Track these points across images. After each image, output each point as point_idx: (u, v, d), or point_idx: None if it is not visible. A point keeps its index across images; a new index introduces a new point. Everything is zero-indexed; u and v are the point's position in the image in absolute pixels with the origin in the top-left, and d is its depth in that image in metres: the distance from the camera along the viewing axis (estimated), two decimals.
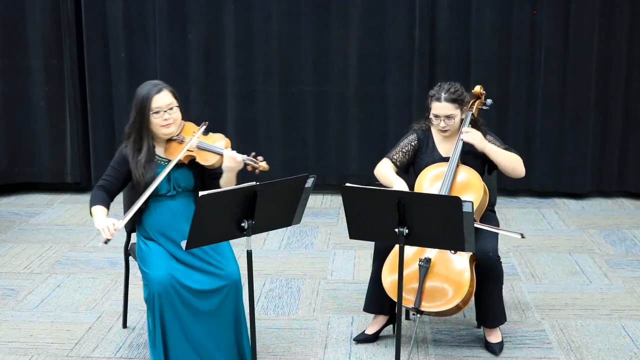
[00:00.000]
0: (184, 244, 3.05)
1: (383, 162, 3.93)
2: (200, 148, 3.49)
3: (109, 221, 3.33)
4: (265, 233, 5.40)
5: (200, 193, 2.96)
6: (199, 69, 6.40)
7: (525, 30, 6.26)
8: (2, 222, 5.88)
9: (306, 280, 4.72)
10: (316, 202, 6.40)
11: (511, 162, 3.78)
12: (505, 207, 6.16)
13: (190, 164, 3.52)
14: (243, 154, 3.45)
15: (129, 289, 4.02)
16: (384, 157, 3.95)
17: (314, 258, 5.12)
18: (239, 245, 3.59)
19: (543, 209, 6.20)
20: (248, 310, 3.31)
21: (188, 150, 3.47)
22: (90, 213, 3.47)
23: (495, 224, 3.91)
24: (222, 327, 3.45)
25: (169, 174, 3.48)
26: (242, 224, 3.10)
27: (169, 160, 3.50)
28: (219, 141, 3.52)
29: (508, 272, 4.80)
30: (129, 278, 4.00)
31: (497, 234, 3.85)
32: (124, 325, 4.07)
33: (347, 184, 3.23)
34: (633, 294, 4.50)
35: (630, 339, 3.93)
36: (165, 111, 3.45)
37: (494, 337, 3.80)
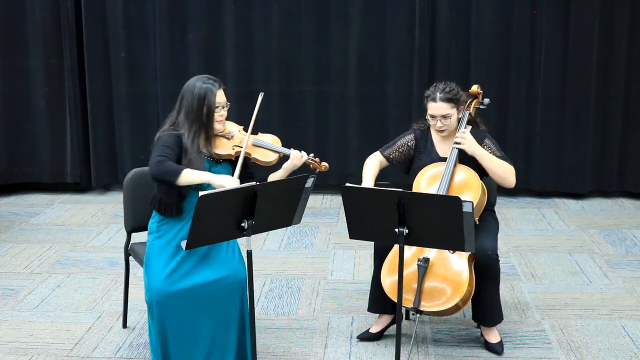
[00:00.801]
0: (184, 243, 3.05)
1: (373, 155, 3.98)
2: (257, 145, 3.56)
3: (232, 179, 3.34)
4: (265, 233, 5.40)
5: (200, 193, 2.96)
6: (199, 69, 6.39)
7: (525, 30, 6.26)
8: (2, 222, 5.88)
9: (306, 280, 4.72)
10: (316, 202, 6.40)
11: (501, 170, 3.76)
12: (505, 207, 6.16)
13: (232, 163, 3.53)
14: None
15: (129, 289, 4.02)
16: (378, 150, 3.99)
17: (314, 258, 5.12)
18: (239, 246, 3.59)
19: (543, 209, 6.20)
20: (248, 310, 3.31)
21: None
22: (179, 176, 3.31)
23: (495, 224, 3.91)
24: (227, 325, 3.44)
25: (210, 170, 3.48)
26: (242, 224, 3.10)
27: (211, 155, 3.52)
28: (276, 142, 3.62)
29: (508, 272, 4.81)
30: (129, 278, 4.00)
31: (497, 232, 3.85)
32: (124, 325, 4.06)
33: (347, 184, 3.24)
34: (633, 294, 4.50)
35: (630, 339, 3.93)
36: (222, 107, 3.52)
37: (493, 337, 3.80)
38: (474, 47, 6.32)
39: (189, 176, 3.35)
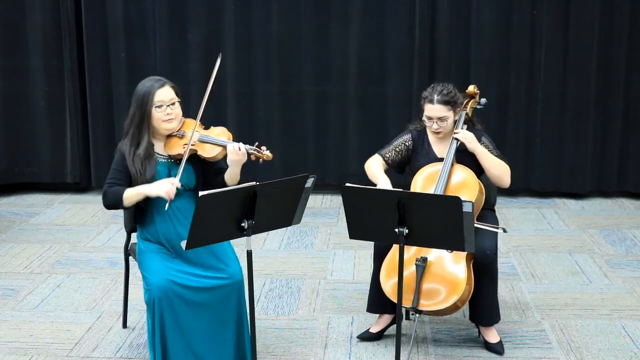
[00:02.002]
0: (184, 244, 3.05)
1: (374, 158, 3.96)
2: (201, 141, 3.47)
3: (166, 182, 3.33)
4: (265, 233, 5.40)
5: (200, 193, 2.96)
6: (199, 69, 6.40)
7: (525, 30, 6.26)
8: (2, 222, 5.88)
9: (306, 280, 4.72)
10: (316, 202, 6.40)
11: (498, 170, 3.78)
12: (505, 207, 6.16)
13: (192, 161, 3.49)
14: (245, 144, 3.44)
15: (129, 289, 4.02)
16: (376, 152, 3.98)
17: (314, 258, 5.12)
18: (239, 245, 3.59)
19: (543, 209, 6.20)
20: (248, 310, 3.31)
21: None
22: (123, 201, 3.37)
23: (495, 223, 3.91)
24: (224, 327, 3.45)
25: (169, 172, 3.47)
26: (242, 224, 3.10)
27: (169, 156, 3.49)
28: (222, 135, 3.51)
29: (508, 272, 4.81)
30: (129, 278, 4.00)
31: (496, 234, 3.85)
32: (124, 325, 4.07)
33: (347, 184, 3.24)
34: (633, 294, 4.50)
35: (630, 339, 3.93)
36: (167, 106, 3.46)
37: (493, 337, 3.80)
38: (474, 47, 6.32)
39: (128, 196, 3.39)
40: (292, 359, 3.76)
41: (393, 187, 3.70)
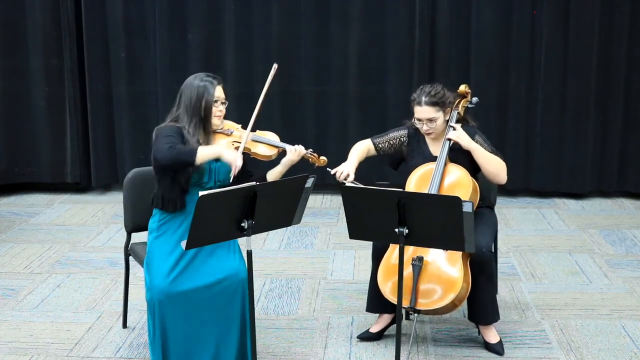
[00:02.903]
0: (183, 244, 3.05)
1: (364, 142, 3.99)
2: (256, 141, 3.59)
3: (238, 154, 3.40)
4: (265, 233, 5.40)
5: (200, 193, 2.97)
6: (199, 69, 6.34)
7: (525, 30, 6.26)
8: (2, 222, 5.88)
9: (306, 280, 4.72)
10: (316, 202, 6.40)
11: (494, 166, 3.77)
12: (505, 207, 6.16)
13: None
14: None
15: (129, 289, 4.02)
16: (369, 138, 4.00)
17: (314, 258, 5.12)
18: (239, 246, 3.59)
19: (543, 209, 6.20)
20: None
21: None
22: (197, 154, 3.35)
23: (491, 220, 3.91)
24: (228, 327, 3.44)
25: (209, 164, 3.49)
26: (242, 224, 3.10)
27: None
28: (273, 137, 3.65)
29: (508, 272, 4.81)
30: (129, 278, 4.00)
31: (495, 231, 3.85)
32: (124, 325, 4.06)
33: (347, 184, 3.23)
34: (633, 294, 4.50)
35: (630, 339, 3.93)
36: (222, 103, 3.55)
37: (492, 337, 3.80)
38: (474, 47, 6.31)
39: (204, 152, 3.40)
40: (292, 359, 3.76)
41: (393, 187, 3.70)
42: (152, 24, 6.40)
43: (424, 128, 3.81)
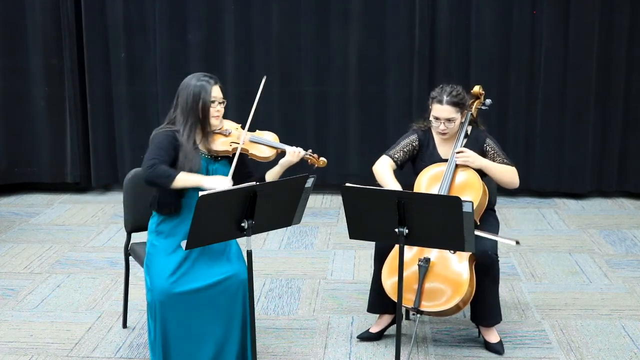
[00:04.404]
0: (184, 244, 3.05)
1: (382, 159, 3.92)
2: (254, 142, 3.56)
3: (223, 179, 3.36)
4: (265, 233, 5.40)
5: (200, 193, 2.97)
6: (199, 69, 6.32)
7: (525, 30, 6.26)
8: (2, 222, 5.88)
9: (306, 280, 4.72)
10: (316, 202, 6.40)
11: (506, 176, 3.79)
12: (505, 207, 6.16)
13: (230, 159, 3.51)
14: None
15: (129, 289, 4.02)
16: (383, 154, 3.95)
17: (314, 258, 5.12)
18: (239, 245, 3.59)
19: (543, 209, 6.20)
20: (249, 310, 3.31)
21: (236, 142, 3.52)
22: (173, 181, 3.34)
23: (496, 223, 3.91)
24: (230, 325, 3.44)
25: (207, 167, 3.50)
26: (242, 224, 3.10)
27: (208, 151, 3.53)
28: (274, 139, 3.62)
29: (508, 272, 4.81)
30: (129, 278, 4.00)
31: (497, 232, 3.85)
32: (124, 325, 4.06)
33: (347, 184, 3.24)
34: (633, 294, 4.50)
35: (630, 339, 3.93)
36: (219, 103, 3.53)
37: (493, 337, 3.80)
38: (474, 47, 6.32)
39: (181, 180, 3.37)
40: (292, 359, 3.76)
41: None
42: (152, 24, 6.40)
43: (440, 127, 3.78)
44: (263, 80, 3.65)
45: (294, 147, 3.58)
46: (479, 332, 3.87)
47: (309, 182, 3.25)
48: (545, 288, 4.59)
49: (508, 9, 6.25)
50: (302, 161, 3.62)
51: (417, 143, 3.92)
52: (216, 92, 3.53)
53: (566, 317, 4.18)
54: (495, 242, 3.74)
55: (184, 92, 3.52)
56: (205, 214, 3.00)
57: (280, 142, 3.63)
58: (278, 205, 3.23)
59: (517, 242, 3.54)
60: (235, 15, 6.34)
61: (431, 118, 3.81)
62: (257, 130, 3.67)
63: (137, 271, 4.34)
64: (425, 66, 6.32)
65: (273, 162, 3.63)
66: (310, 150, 3.64)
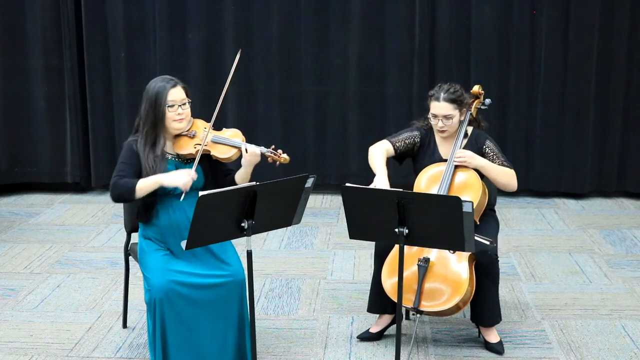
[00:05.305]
0: (184, 244, 3.06)
1: (381, 142, 3.93)
2: (216, 142, 3.51)
3: (184, 172, 3.35)
4: (265, 233, 5.40)
5: (200, 193, 2.97)
6: (199, 69, 6.40)
7: (525, 30, 6.26)
8: (2, 222, 5.88)
9: (306, 280, 4.72)
10: (316, 202, 6.40)
11: (503, 178, 3.79)
12: (505, 207, 6.16)
13: (202, 161, 3.49)
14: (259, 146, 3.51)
15: (129, 289, 4.02)
16: (385, 138, 3.95)
17: (314, 258, 5.12)
18: (239, 245, 3.59)
19: (543, 209, 6.20)
20: (248, 310, 3.31)
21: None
22: (135, 191, 3.37)
23: (495, 224, 3.92)
24: (226, 326, 3.44)
25: (177, 169, 3.48)
26: (242, 224, 3.10)
27: (177, 155, 3.51)
28: (235, 136, 3.55)
29: (508, 272, 4.81)
30: (129, 278, 4.00)
31: (497, 233, 3.86)
32: (124, 325, 4.07)
33: (347, 184, 3.24)
34: (633, 294, 4.50)
35: (630, 339, 3.93)
36: (179, 106, 3.48)
37: (493, 337, 3.80)
38: (474, 47, 6.31)
39: (143, 186, 3.38)
40: (292, 359, 3.76)
41: (393, 187, 3.70)
42: (152, 24, 6.40)
43: (439, 125, 3.80)
44: (238, 55, 3.52)
45: (251, 145, 3.48)
46: (479, 332, 3.87)
47: (309, 182, 3.25)
48: (545, 288, 4.59)
49: (508, 9, 6.25)
50: (265, 158, 3.52)
51: (418, 139, 3.93)
52: (174, 94, 3.48)
53: (566, 317, 4.18)
54: (495, 241, 3.75)
55: (144, 97, 3.52)
56: (205, 214, 3.00)
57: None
58: (278, 205, 3.23)
59: (491, 243, 3.56)
60: (235, 15, 6.34)
61: (429, 116, 3.83)
62: (223, 129, 3.61)
63: (137, 271, 4.33)
64: (425, 66, 6.32)
65: (239, 161, 3.57)
66: (273, 147, 3.53)
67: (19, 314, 4.25)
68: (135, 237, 3.89)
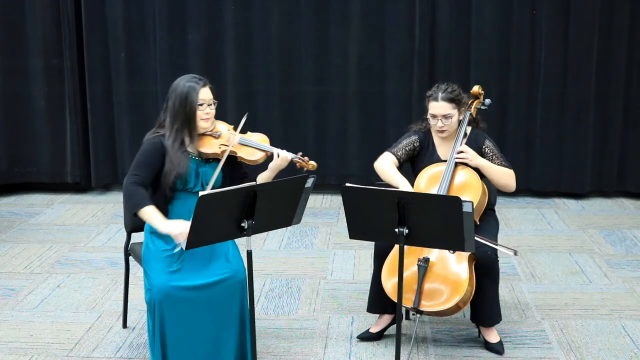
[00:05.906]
0: (184, 244, 3.05)
1: (385, 156, 3.91)
2: (243, 144, 3.55)
3: (183, 225, 3.27)
4: (265, 233, 5.40)
5: (200, 193, 2.97)
6: (199, 69, 6.39)
7: (525, 30, 6.26)
8: (2, 222, 5.88)
9: (306, 280, 4.72)
10: (316, 202, 6.40)
11: (502, 178, 3.80)
12: (505, 207, 6.16)
13: (224, 162, 3.51)
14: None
15: (129, 289, 4.02)
16: (385, 150, 3.94)
17: (314, 258, 5.12)
18: (239, 245, 3.59)
19: (543, 209, 6.20)
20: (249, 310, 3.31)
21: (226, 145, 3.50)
22: (139, 212, 3.39)
23: (495, 224, 3.92)
24: (227, 326, 3.44)
25: (197, 169, 3.50)
26: (242, 224, 3.10)
27: (199, 154, 3.53)
28: (264, 141, 3.60)
29: (508, 272, 4.81)
30: (129, 278, 4.00)
31: (497, 233, 3.86)
32: (124, 325, 4.07)
33: (347, 184, 3.24)
34: (633, 294, 4.50)
35: (630, 339, 3.93)
36: (208, 105, 3.52)
37: (493, 337, 3.80)
38: (474, 47, 6.32)
39: (145, 214, 3.39)
40: (292, 359, 3.76)
41: (390, 187, 3.70)
42: (152, 24, 6.40)
43: (438, 125, 3.80)
44: (243, 119, 3.55)
45: (282, 151, 3.57)
46: (479, 332, 3.87)
47: (309, 182, 3.25)
48: (545, 288, 4.59)
49: (508, 9, 6.25)
50: (293, 164, 3.60)
51: (417, 144, 3.92)
52: (205, 94, 3.51)
53: (566, 317, 4.18)
54: (495, 241, 3.75)
55: (173, 94, 3.52)
56: (205, 214, 3.00)
57: (281, 143, 3.62)
58: (278, 205, 3.23)
59: (516, 253, 3.56)
60: (235, 15, 6.34)
61: (428, 116, 3.83)
62: (248, 132, 3.66)
63: (137, 271, 4.34)
64: (425, 66, 6.32)
65: (264, 165, 3.61)
66: (300, 154, 3.62)
67: (19, 314, 4.25)
68: (135, 237, 3.89)
